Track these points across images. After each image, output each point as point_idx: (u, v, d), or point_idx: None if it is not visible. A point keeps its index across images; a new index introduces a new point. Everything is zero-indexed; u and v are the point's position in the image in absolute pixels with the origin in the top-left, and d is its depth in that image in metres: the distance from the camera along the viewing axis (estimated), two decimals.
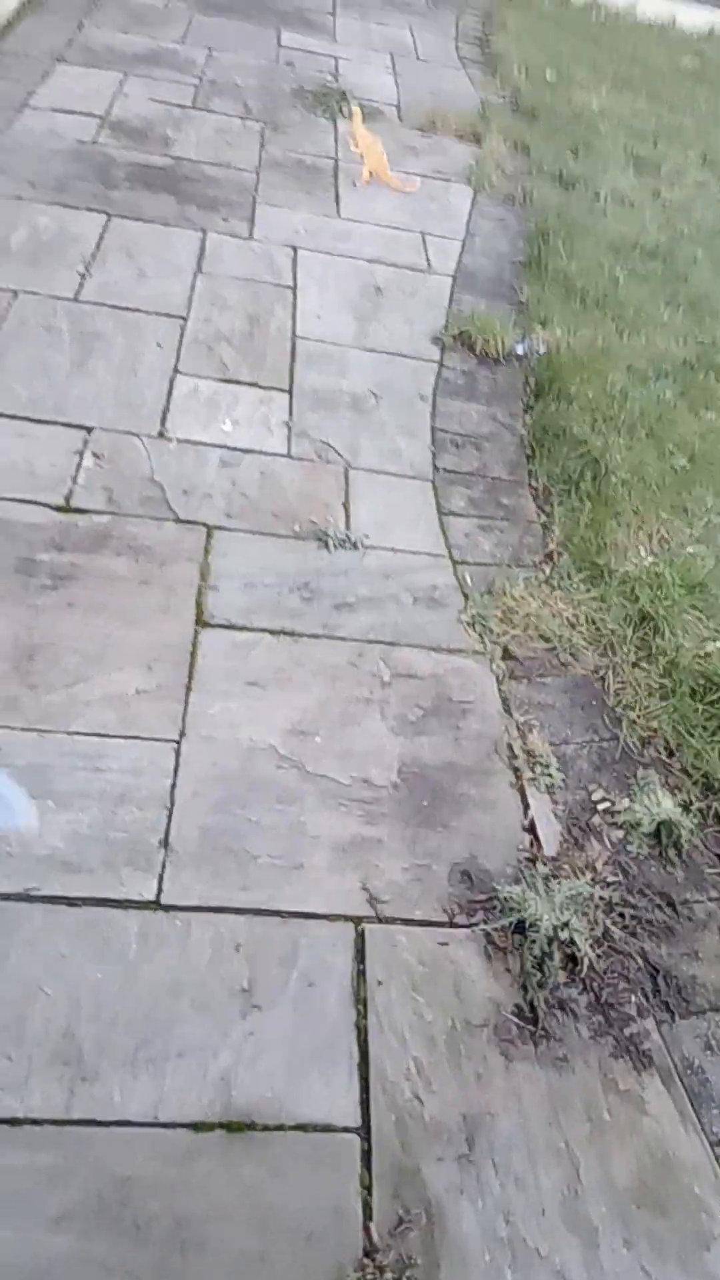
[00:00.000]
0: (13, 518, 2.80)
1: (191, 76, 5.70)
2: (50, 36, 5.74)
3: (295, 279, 4.18)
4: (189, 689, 2.48)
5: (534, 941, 2.08)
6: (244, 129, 5.28)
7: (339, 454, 3.35)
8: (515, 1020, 2.01)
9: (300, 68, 6.22)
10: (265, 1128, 1.78)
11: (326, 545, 2.98)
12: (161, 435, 3.23)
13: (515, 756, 2.52)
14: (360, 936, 2.07)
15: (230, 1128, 1.77)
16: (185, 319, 3.77)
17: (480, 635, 2.82)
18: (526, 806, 2.41)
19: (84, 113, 4.99)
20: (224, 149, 5.02)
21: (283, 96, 5.75)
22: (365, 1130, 1.81)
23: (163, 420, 3.29)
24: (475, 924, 2.13)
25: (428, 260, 4.55)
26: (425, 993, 2.01)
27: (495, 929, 2.12)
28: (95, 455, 3.08)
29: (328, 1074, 1.86)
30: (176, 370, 3.51)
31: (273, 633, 2.68)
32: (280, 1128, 1.78)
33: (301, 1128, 1.79)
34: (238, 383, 3.54)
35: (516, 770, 2.49)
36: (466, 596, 2.93)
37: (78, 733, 2.32)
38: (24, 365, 3.34)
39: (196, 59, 5.95)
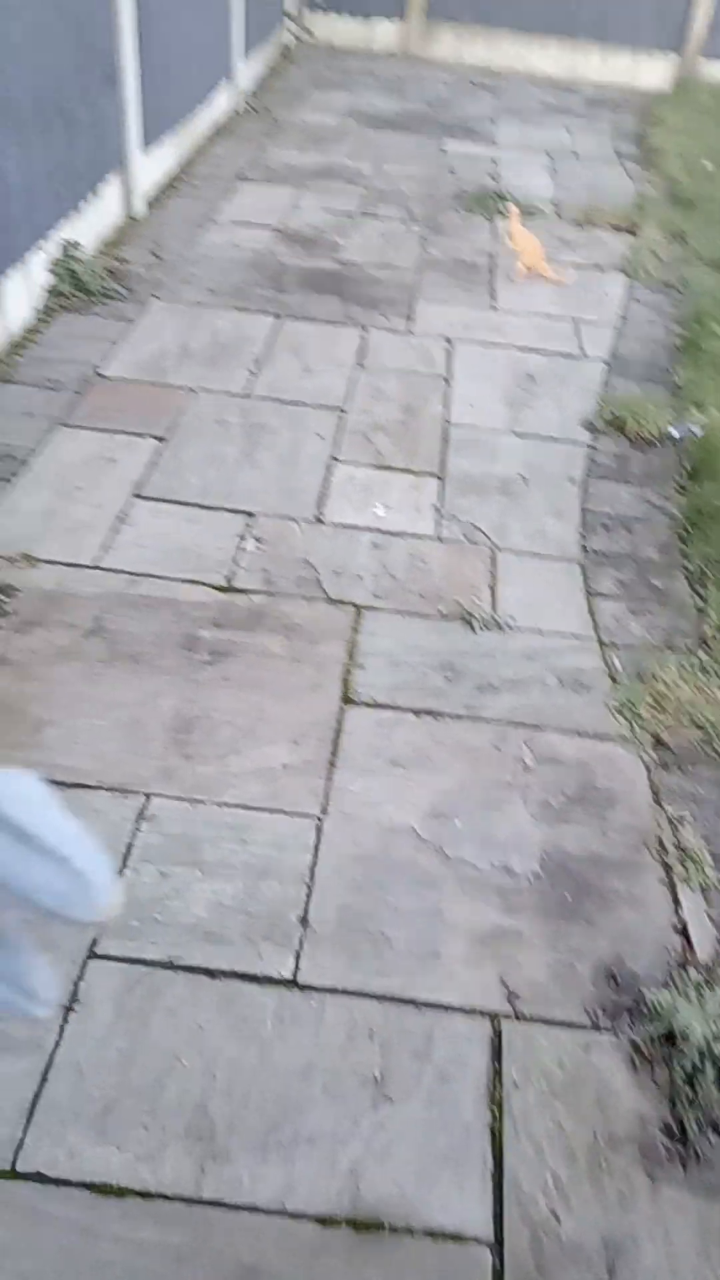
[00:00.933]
0: (180, 597, 2.98)
1: (359, 187, 6.09)
2: (235, 159, 6.31)
3: (450, 370, 4.31)
4: (333, 765, 2.53)
5: (684, 1054, 1.93)
6: (406, 232, 5.57)
7: (487, 536, 3.39)
8: (663, 1139, 1.87)
9: (461, 173, 6.53)
10: (393, 1229, 1.72)
11: (472, 626, 2.99)
12: (318, 520, 3.37)
13: (666, 852, 2.40)
14: (497, 1034, 2.00)
15: (358, 1226, 1.72)
16: (344, 410, 3.95)
17: (629, 721, 2.73)
18: (678, 906, 2.28)
19: (261, 224, 5.42)
20: (387, 251, 5.31)
21: (444, 200, 6.05)
22: (498, 1245, 1.71)
23: (319, 505, 3.44)
24: (620, 1030, 2.02)
25: (581, 347, 4.60)
26: (565, 1100, 1.91)
27: (642, 1037, 1.99)
28: (256, 539, 3.25)
29: (460, 1178, 1.79)
30: (334, 458, 3.68)
31: (416, 712, 2.70)
32: (409, 1231, 1.72)
33: (431, 1234, 1.72)
34: (391, 469, 3.66)
35: (667, 867, 2.36)
36: (614, 680, 2.86)
37: (226, 804, 2.40)
38: (198, 456, 3.60)
39: (364, 170, 6.36)
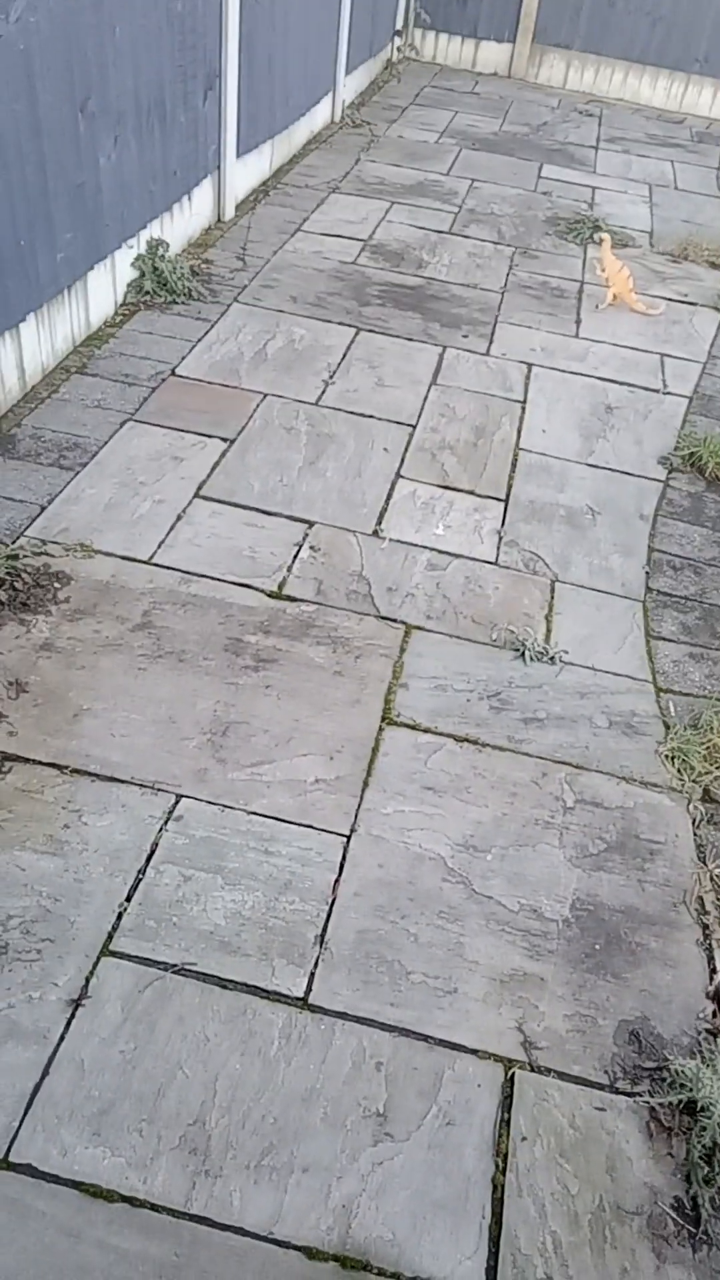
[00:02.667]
0: (231, 599, 2.97)
1: (452, 205, 6.07)
2: (330, 170, 6.34)
3: (526, 394, 4.25)
4: (366, 784, 2.48)
5: (705, 1128, 1.84)
6: (495, 253, 5.53)
7: (547, 566, 3.32)
8: (673, 1215, 1.77)
9: (557, 198, 6.47)
10: (380, 1273, 1.66)
11: (523, 656, 2.92)
12: (375, 534, 3.34)
13: (706, 912, 2.29)
14: (509, 1082, 1.93)
15: (345, 1263, 1.66)
16: (414, 427, 3.92)
17: (679, 771, 2.63)
18: (713, 971, 2.18)
19: (349, 237, 5.43)
20: (473, 271, 5.28)
21: (536, 224, 5.99)
22: None
23: (379, 520, 3.40)
24: (639, 1094, 1.93)
25: (664, 382, 4.50)
26: (574, 1161, 1.83)
27: (661, 1104, 1.90)
28: (312, 548, 3.23)
29: (455, 1229, 1.72)
30: (399, 474, 3.65)
31: (457, 738, 2.64)
32: (396, 1277, 1.66)
33: None
34: (455, 490, 3.62)
35: (706, 928, 2.26)
36: (668, 727, 2.76)
37: (255, 813, 2.37)
38: (263, 461, 3.60)
39: (459, 190, 6.34)
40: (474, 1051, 1.97)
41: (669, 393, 4.42)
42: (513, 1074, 1.94)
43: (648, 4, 8.71)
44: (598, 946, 2.19)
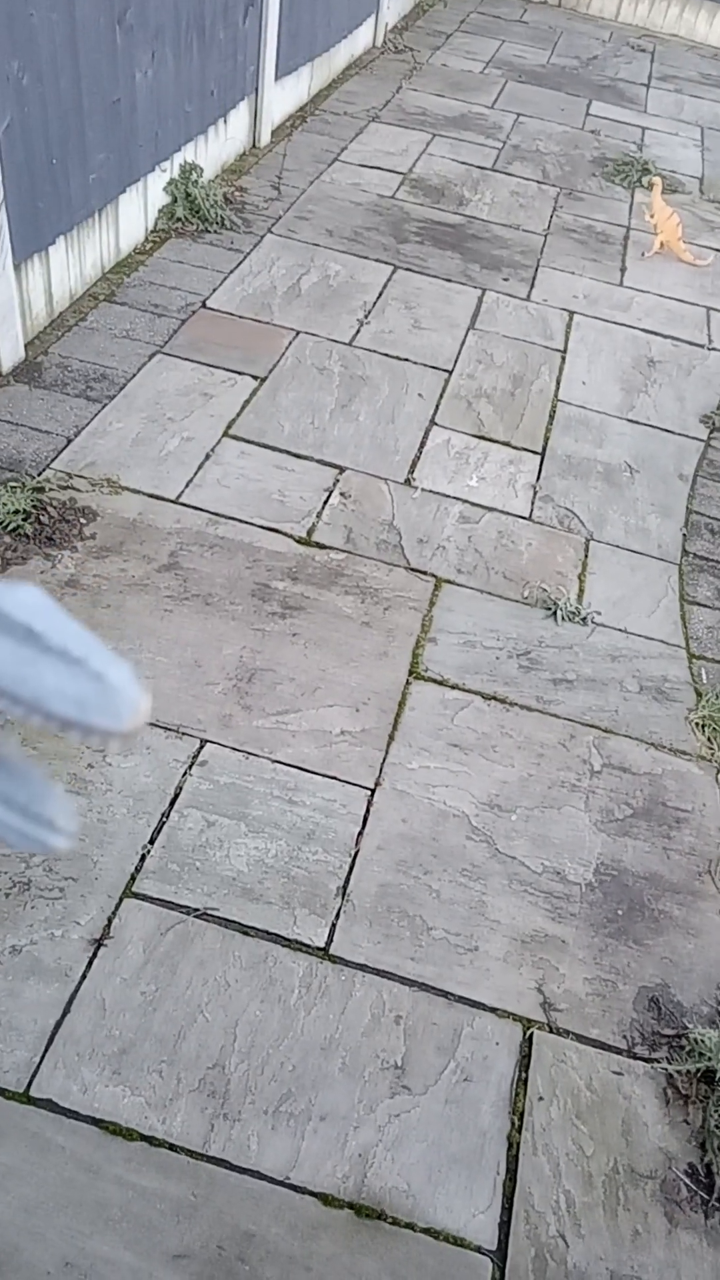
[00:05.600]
0: (258, 543, 2.91)
1: (496, 140, 5.84)
2: (370, 97, 6.09)
3: (566, 343, 4.12)
4: (391, 738, 2.45)
5: None
6: (539, 193, 5.32)
7: (582, 523, 3.24)
8: (686, 1181, 1.78)
9: (605, 137, 6.21)
10: (395, 1222, 1.67)
11: (554, 615, 2.87)
12: (408, 483, 3.26)
13: None
14: (528, 1041, 1.93)
15: (360, 1211, 1.68)
16: (450, 372, 3.81)
17: (709, 739, 2.59)
18: None
19: (388, 169, 5.23)
20: (516, 211, 5.09)
21: (583, 164, 5.76)
22: (500, 1257, 1.66)
23: (411, 468, 3.32)
24: (657, 1060, 1.93)
25: (709, 337, 4.35)
26: (590, 1123, 1.83)
27: (679, 1071, 1.90)
28: (343, 494, 3.16)
29: (469, 1183, 1.73)
30: (433, 421, 3.55)
31: (485, 696, 2.61)
32: (410, 1226, 1.67)
33: (432, 1233, 1.67)
34: (491, 440, 3.52)
35: None
36: (700, 695, 2.72)
37: (280, 762, 2.35)
38: (295, 401, 3.50)
39: (504, 124, 6.09)
40: (493, 1010, 1.97)
41: (714, 348, 4.28)
42: (531, 1034, 1.94)
43: None
44: (620, 912, 2.18)
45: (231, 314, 3.89)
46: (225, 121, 4.74)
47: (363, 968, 2.00)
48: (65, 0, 3.12)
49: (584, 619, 2.87)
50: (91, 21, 3.30)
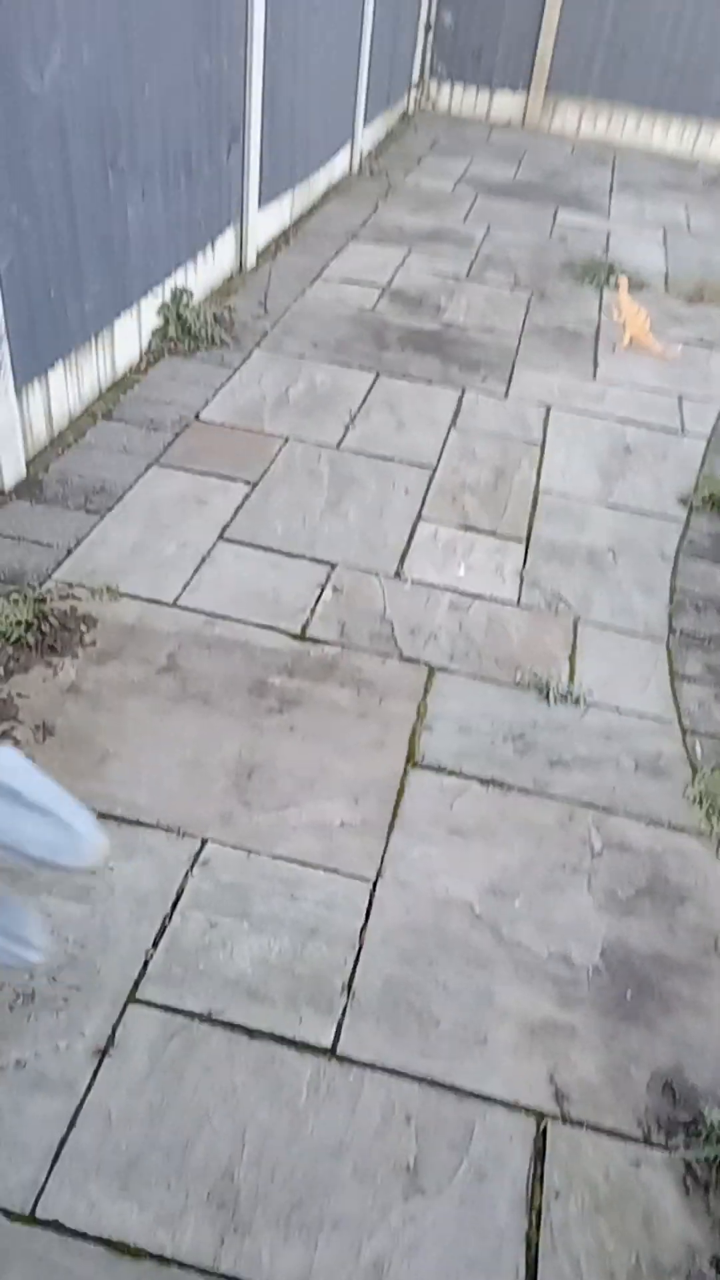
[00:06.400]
0: (255, 641, 2.99)
1: (469, 251, 6.18)
2: (349, 218, 6.48)
3: (545, 436, 4.29)
4: (391, 828, 2.47)
5: None
6: (512, 298, 5.61)
7: (569, 606, 3.32)
8: (713, 1274, 1.72)
9: (572, 243, 6.57)
10: None
11: (547, 697, 2.92)
12: (398, 575, 3.36)
13: None
14: (542, 1134, 1.89)
15: None
16: (434, 469, 3.96)
17: (707, 814, 2.61)
18: None
19: (368, 283, 5.53)
20: (490, 315, 5.36)
21: (552, 269, 6.09)
22: None
23: (401, 561, 3.43)
24: (674, 1148, 1.89)
25: (682, 423, 4.53)
26: (609, 1217, 1.79)
27: (698, 1159, 1.86)
28: (335, 589, 3.25)
29: None
30: (420, 516, 3.68)
31: (482, 781, 2.64)
32: None
33: None
34: (476, 531, 3.64)
35: None
36: (695, 770, 2.74)
37: (281, 857, 2.36)
38: (286, 503, 3.64)
39: (475, 236, 6.46)
40: (505, 1103, 1.94)
41: (687, 433, 4.45)
42: (545, 1126, 1.91)
43: (660, 52, 8.91)
44: (629, 994, 2.16)
45: (223, 425, 4.07)
46: (213, 247, 5.05)
47: (371, 1066, 1.97)
48: (60, 146, 3.39)
49: (576, 699, 2.92)
50: (85, 164, 3.57)
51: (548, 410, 4.49)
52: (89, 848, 0.93)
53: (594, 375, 4.85)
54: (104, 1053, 1.93)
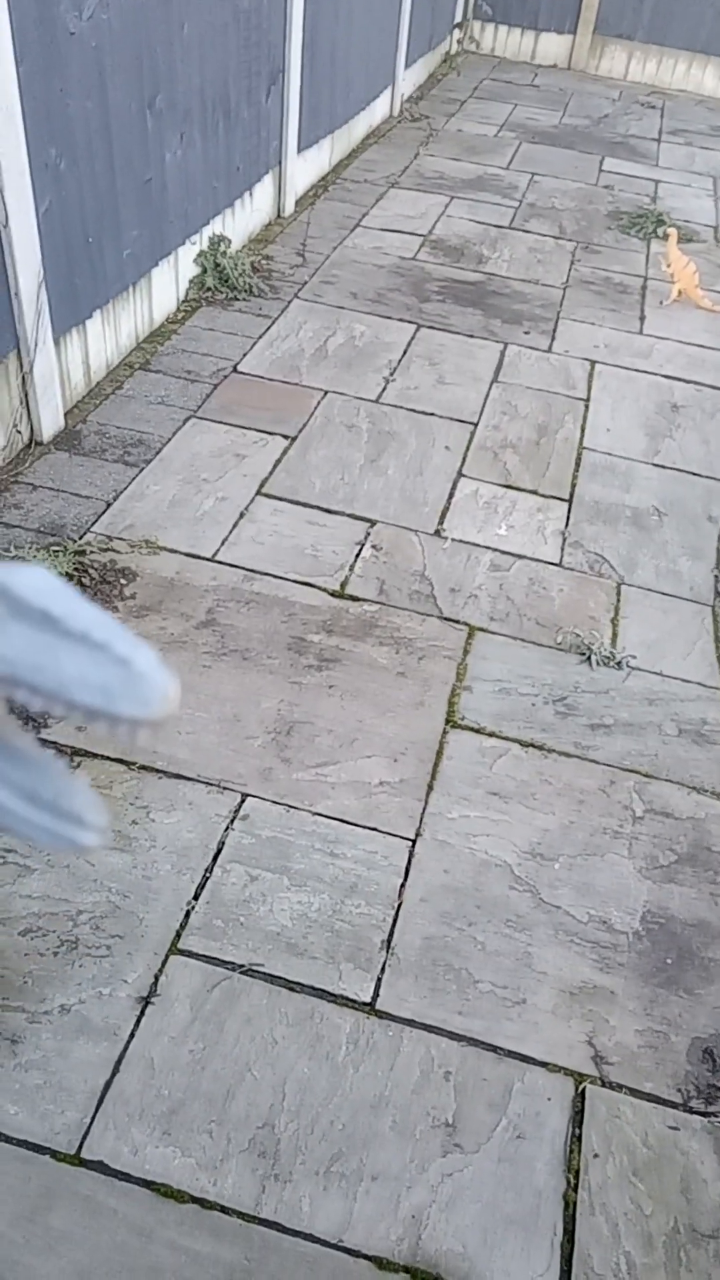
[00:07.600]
0: (294, 598, 2.96)
1: (512, 199, 6.00)
2: (389, 164, 6.30)
3: (589, 392, 4.19)
4: (430, 788, 2.46)
5: None
6: (557, 248, 5.45)
7: (613, 568, 3.26)
8: None
9: (619, 192, 6.36)
10: None
11: (589, 660, 2.87)
12: (438, 534, 3.31)
13: None
14: (580, 1096, 1.90)
15: (415, 1275, 1.64)
16: (476, 425, 3.88)
17: None
18: None
19: (409, 232, 5.39)
20: (534, 266, 5.21)
21: (598, 219, 5.90)
22: None
23: (441, 519, 3.37)
24: (713, 1114, 1.88)
25: None
26: (647, 1181, 1.79)
27: None
28: (374, 547, 3.21)
29: (527, 1245, 1.69)
30: (461, 473, 3.61)
31: (522, 744, 2.61)
32: None
33: None
34: (518, 489, 3.57)
35: None
36: None
37: (320, 814, 2.36)
38: (325, 459, 3.58)
39: (519, 183, 6.26)
40: (544, 1064, 1.94)
41: None
42: (583, 1089, 1.91)
43: None
44: (669, 961, 2.15)
45: (261, 377, 4.00)
46: (251, 194, 4.93)
47: (410, 1023, 1.98)
48: (99, 89, 3.30)
49: (619, 663, 2.87)
50: (123, 107, 3.48)
51: (593, 365, 4.37)
52: (154, 691, 0.67)
53: (641, 330, 4.71)
54: (146, 1001, 1.95)
